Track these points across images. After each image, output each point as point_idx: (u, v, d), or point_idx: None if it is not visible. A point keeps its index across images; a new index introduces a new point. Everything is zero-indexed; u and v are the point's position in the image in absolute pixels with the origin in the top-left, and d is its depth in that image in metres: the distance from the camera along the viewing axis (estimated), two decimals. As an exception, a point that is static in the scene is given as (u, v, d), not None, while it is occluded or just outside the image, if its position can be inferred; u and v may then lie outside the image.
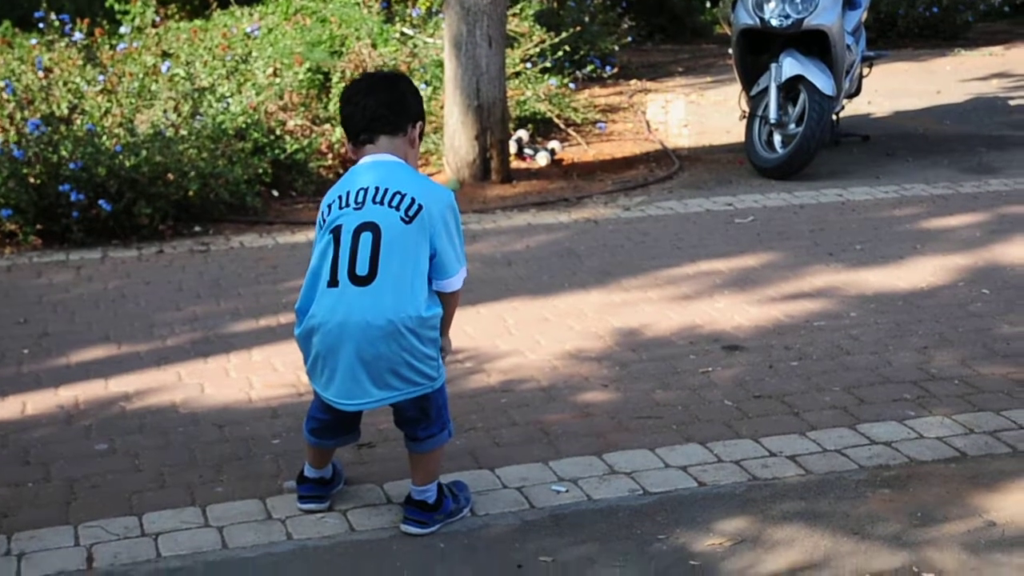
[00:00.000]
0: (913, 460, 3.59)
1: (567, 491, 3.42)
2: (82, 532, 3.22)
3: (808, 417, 3.90)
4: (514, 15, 9.18)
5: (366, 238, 3.10)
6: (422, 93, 7.88)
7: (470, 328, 4.77)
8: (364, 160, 3.25)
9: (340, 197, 3.17)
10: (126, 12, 9.59)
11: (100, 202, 5.95)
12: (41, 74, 6.95)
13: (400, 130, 3.24)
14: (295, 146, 7.06)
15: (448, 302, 3.24)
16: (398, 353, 3.09)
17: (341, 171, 6.79)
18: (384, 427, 3.83)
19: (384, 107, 3.23)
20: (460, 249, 3.22)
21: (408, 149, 3.26)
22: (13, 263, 5.77)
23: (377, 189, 3.14)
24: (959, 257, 5.62)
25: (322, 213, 3.21)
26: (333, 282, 3.12)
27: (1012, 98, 9.75)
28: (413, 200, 3.12)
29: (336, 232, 3.14)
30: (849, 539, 3.15)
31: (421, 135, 3.33)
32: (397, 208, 3.11)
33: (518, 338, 4.67)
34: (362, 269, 3.09)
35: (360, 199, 3.14)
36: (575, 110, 8.74)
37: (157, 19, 9.44)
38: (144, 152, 6.15)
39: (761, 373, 4.28)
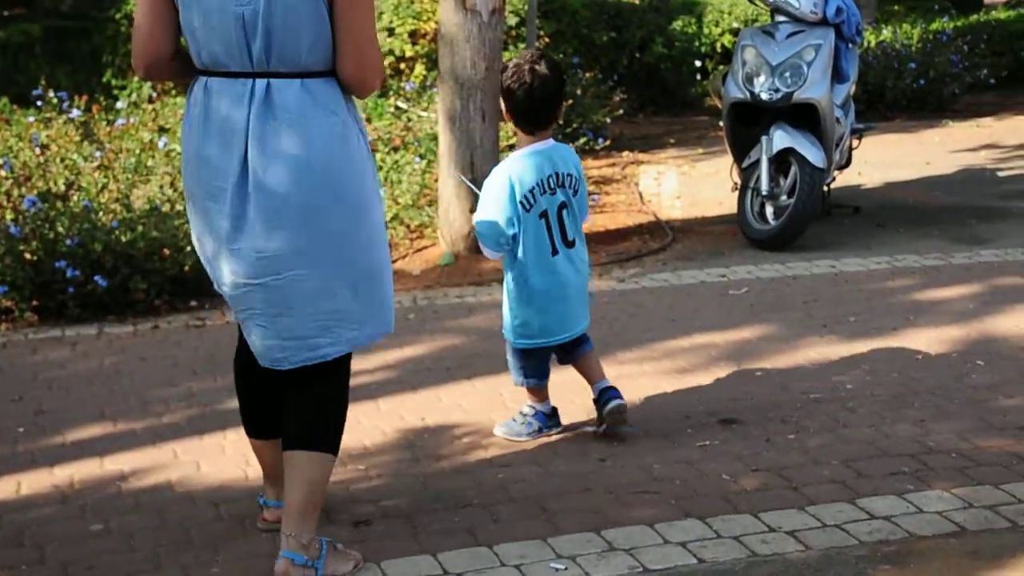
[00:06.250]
0: (913, 535, 3.58)
1: (566, 569, 3.40)
2: (77, 614, 3.19)
3: (807, 491, 3.89)
4: (507, 89, 9.27)
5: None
6: (416, 167, 8.04)
7: (465, 402, 4.77)
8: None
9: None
10: (123, 87, 9.68)
11: (96, 278, 5.96)
12: (38, 151, 7.00)
13: None
14: (291, 220, 7.07)
15: None
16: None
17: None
18: (383, 503, 3.82)
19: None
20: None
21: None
22: (8, 339, 5.76)
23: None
24: (953, 329, 5.64)
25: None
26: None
27: (1001, 169, 9.85)
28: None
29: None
30: (851, 616, 3.13)
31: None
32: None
33: (514, 412, 4.65)
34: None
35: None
36: (568, 183, 8.79)
37: (154, 94, 9.54)
38: (140, 227, 6.17)
39: (758, 447, 4.27)
